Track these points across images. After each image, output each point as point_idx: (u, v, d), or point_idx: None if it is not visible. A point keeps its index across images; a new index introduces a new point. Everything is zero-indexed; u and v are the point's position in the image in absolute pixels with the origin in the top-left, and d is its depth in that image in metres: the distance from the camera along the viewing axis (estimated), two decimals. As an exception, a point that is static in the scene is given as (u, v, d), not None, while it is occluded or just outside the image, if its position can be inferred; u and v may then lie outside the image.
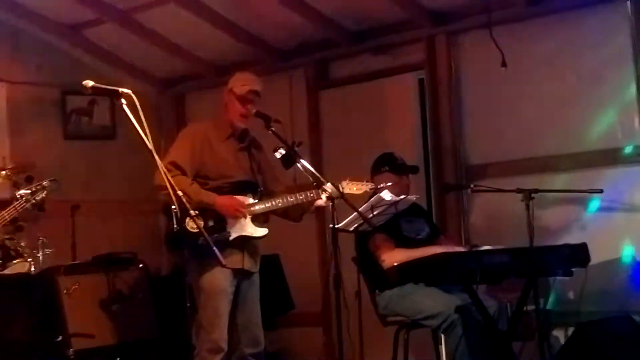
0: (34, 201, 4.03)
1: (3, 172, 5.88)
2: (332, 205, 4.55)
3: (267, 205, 4.83)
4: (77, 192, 7.03)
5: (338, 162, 6.64)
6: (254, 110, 4.86)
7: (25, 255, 5.69)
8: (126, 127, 7.13)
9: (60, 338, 5.46)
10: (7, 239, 5.60)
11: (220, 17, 6.68)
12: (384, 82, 6.63)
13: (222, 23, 6.73)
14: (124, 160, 7.41)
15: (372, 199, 4.83)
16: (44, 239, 5.79)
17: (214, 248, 3.83)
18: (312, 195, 4.77)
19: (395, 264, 4.84)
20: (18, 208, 3.97)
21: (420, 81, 6.47)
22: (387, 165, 5.38)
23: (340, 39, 6.69)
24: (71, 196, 6.74)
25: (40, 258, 5.76)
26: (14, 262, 5.65)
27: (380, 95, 6.64)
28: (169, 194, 4.30)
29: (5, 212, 3.96)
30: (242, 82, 4.90)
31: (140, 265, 6.19)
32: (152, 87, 7.73)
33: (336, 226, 4.54)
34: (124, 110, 3.78)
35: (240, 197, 4.81)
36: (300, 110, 6.97)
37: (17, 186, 4.53)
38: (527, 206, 5.02)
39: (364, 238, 5.21)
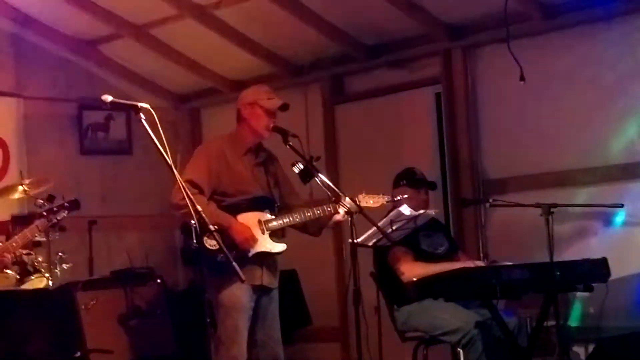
0: (55, 221, 4.02)
1: (21, 187, 5.91)
2: (351, 221, 4.52)
3: (284, 220, 4.80)
4: (94, 207, 7.03)
5: (354, 177, 6.63)
6: (271, 125, 4.84)
7: (43, 270, 5.69)
8: (142, 142, 7.23)
9: (78, 354, 5.45)
10: (25, 254, 5.59)
11: (236, 32, 6.70)
12: (400, 97, 6.61)
13: (238, 38, 6.74)
14: (140, 176, 7.44)
15: (391, 213, 4.81)
16: (62, 254, 5.80)
17: (234, 264, 3.81)
18: (329, 209, 4.75)
19: (414, 279, 4.83)
20: (40, 228, 3.97)
21: (437, 95, 6.44)
22: (405, 179, 5.37)
23: (356, 53, 6.69)
24: (88, 211, 6.74)
25: (58, 273, 5.76)
26: (32, 277, 5.65)
27: (396, 109, 6.63)
28: (186, 213, 4.25)
29: (28, 231, 3.95)
30: (268, 96, 4.87)
31: (158, 281, 6.18)
32: (167, 103, 7.75)
33: (355, 241, 4.51)
34: (142, 126, 3.76)
35: (258, 214, 4.78)
36: (316, 125, 6.96)
37: (38, 205, 4.52)
38: (547, 221, 4.97)
39: (382, 252, 5.20)
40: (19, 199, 6.17)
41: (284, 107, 4.87)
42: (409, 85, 6.57)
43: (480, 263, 5.31)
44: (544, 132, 5.89)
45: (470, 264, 5.21)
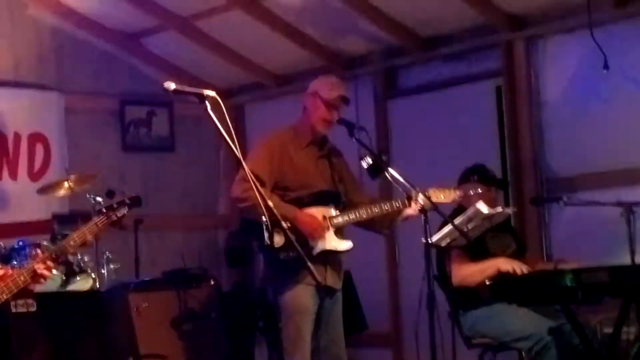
0: (115, 218, 3.76)
1: (66, 184, 5.69)
2: (425, 219, 4.26)
3: (350, 216, 4.54)
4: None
5: (407, 176, 6.32)
6: (331, 117, 4.60)
7: (89, 270, 5.47)
8: (185, 139, 7.01)
9: (131, 359, 5.21)
10: (70, 254, 5.36)
11: (285, 23, 6.48)
12: (457, 91, 6.33)
13: (287, 30, 6.53)
14: (183, 173, 7.27)
15: (469, 211, 4.54)
16: (109, 254, 5.57)
17: (308, 263, 3.56)
18: (397, 205, 4.49)
19: (487, 282, 4.56)
20: (100, 226, 3.69)
21: (498, 89, 6.17)
22: (476, 174, 5.10)
23: (410, 45, 6.43)
24: (131, 210, 6.51)
25: (105, 274, 5.53)
26: (78, 278, 5.43)
27: (453, 104, 6.34)
28: (248, 206, 4.07)
29: (87, 230, 3.67)
30: (329, 87, 4.63)
31: (212, 282, 5.88)
32: (210, 98, 7.50)
33: (430, 240, 4.24)
34: (206, 114, 3.60)
35: (322, 209, 4.53)
36: (367, 120, 6.58)
37: (96, 202, 4.30)
38: (628, 220, 4.72)
39: (443, 254, 4.93)
40: (61, 197, 5.95)
41: (344, 100, 4.63)
42: (467, 79, 6.29)
43: (543, 265, 5.07)
44: (614, 127, 5.58)
45: (542, 265, 4.97)
